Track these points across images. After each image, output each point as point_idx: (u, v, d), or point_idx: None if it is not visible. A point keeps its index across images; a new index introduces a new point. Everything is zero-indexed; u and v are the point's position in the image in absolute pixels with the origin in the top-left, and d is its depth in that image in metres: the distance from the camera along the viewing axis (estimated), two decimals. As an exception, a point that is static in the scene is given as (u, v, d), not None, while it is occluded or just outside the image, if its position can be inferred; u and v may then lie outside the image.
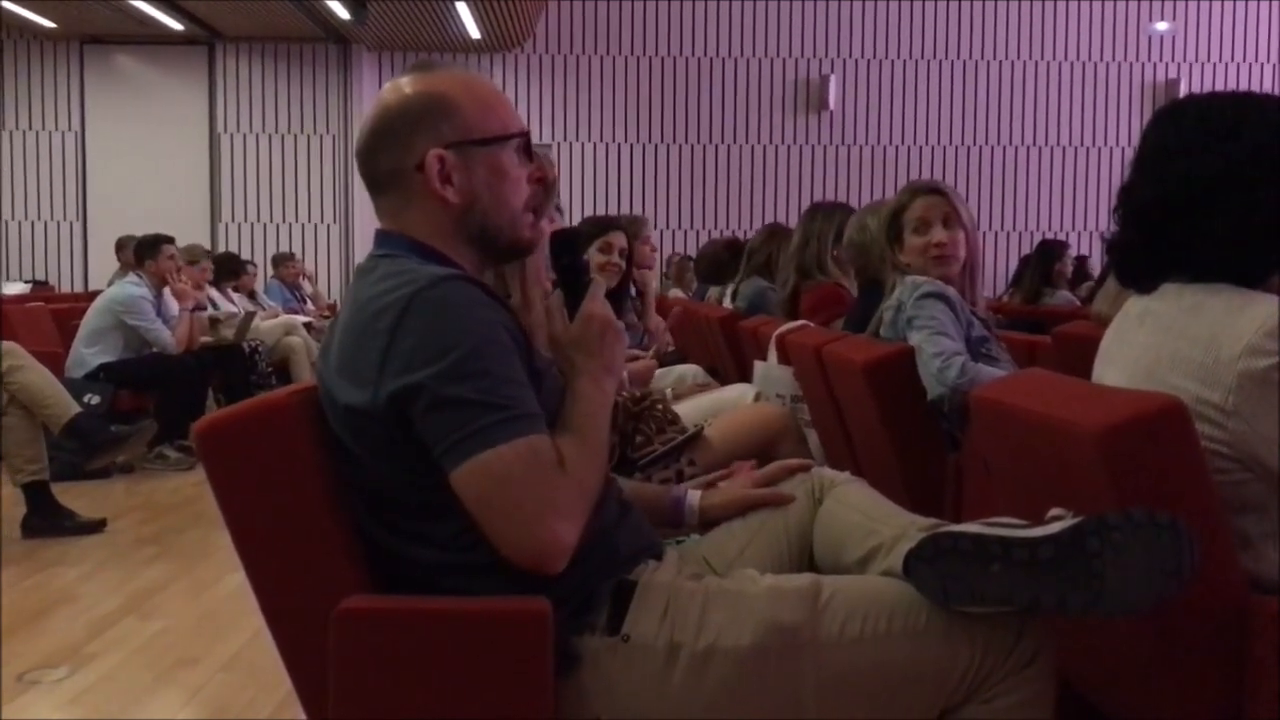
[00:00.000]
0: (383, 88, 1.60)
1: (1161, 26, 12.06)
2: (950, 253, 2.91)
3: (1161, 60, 12.18)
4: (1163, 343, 1.61)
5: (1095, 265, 8.51)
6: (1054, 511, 1.41)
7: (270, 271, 10.23)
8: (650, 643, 1.44)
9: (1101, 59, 12.13)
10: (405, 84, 1.56)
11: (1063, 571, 1.33)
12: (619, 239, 3.80)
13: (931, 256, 2.91)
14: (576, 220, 4.06)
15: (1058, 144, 12.14)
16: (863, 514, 1.68)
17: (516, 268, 1.96)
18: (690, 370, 4.45)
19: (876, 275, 3.24)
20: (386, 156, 1.54)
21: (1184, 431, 1.42)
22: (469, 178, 1.52)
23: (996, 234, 11.92)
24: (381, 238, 1.56)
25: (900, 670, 1.44)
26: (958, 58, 12.01)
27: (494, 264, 1.61)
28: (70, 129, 11.31)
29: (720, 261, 6.34)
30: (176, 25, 10.55)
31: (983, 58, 12.04)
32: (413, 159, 1.51)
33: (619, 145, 11.87)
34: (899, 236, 2.98)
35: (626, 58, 11.83)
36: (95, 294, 7.18)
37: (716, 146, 11.88)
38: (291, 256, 10.35)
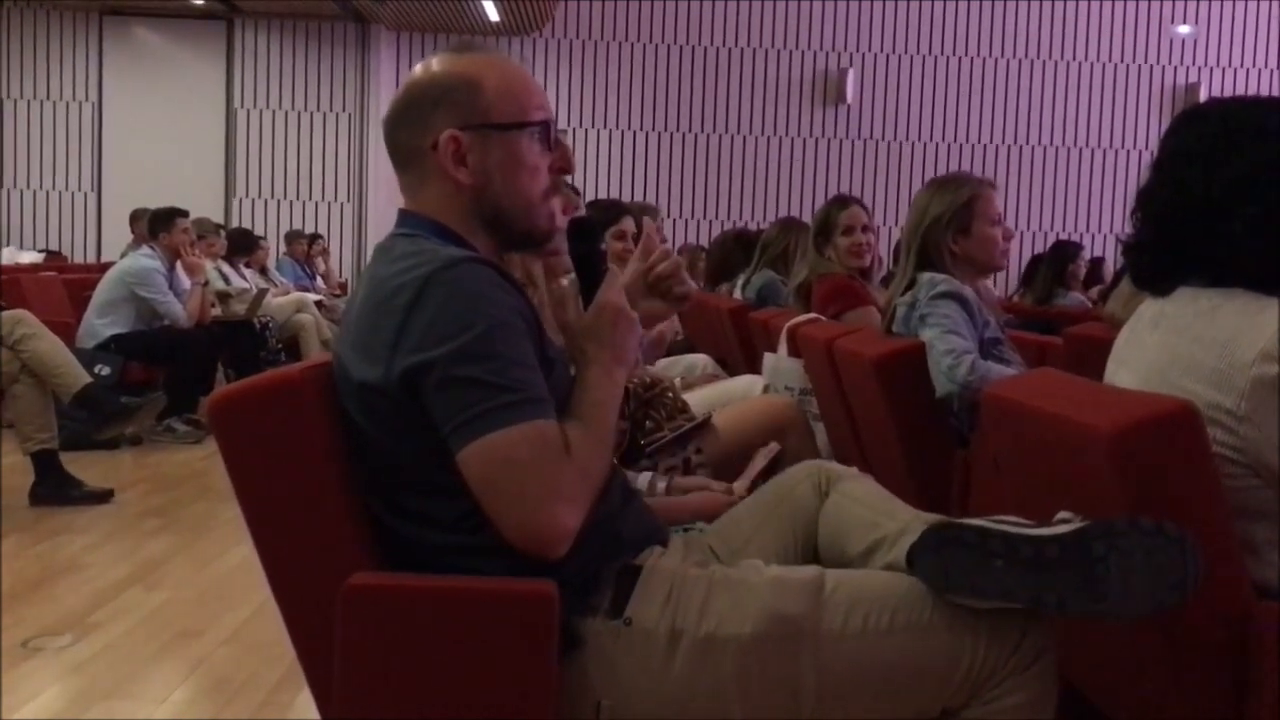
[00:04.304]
0: (417, 64, 1.60)
1: (1183, 30, 11.99)
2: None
3: (1182, 64, 12.11)
4: (1176, 346, 1.60)
5: (1110, 268, 8.46)
6: (1062, 514, 1.41)
7: (283, 248, 10.24)
8: (652, 628, 1.44)
9: (1122, 60, 12.07)
10: (436, 62, 1.57)
11: (1066, 573, 1.33)
12: (630, 225, 3.80)
13: (1002, 250, 2.95)
14: (588, 206, 4.05)
15: (1075, 145, 12.09)
16: (867, 507, 1.68)
17: (518, 259, 1.95)
18: (700, 360, 4.46)
19: None
20: (407, 132, 1.54)
21: (1195, 435, 1.41)
22: (483, 161, 1.52)
23: (1010, 234, 11.88)
24: (403, 217, 1.57)
25: (902, 666, 1.44)
26: (977, 55, 11.96)
27: (511, 250, 1.60)
28: (88, 100, 11.32)
29: (727, 255, 6.31)
30: (196, -1, 10.58)
31: (1002, 56, 11.99)
32: (429, 137, 1.52)
33: (634, 133, 11.84)
34: (967, 228, 2.91)
35: (645, 45, 11.79)
36: (108, 265, 7.20)
37: (733, 137, 11.85)
38: (318, 236, 10.39)
